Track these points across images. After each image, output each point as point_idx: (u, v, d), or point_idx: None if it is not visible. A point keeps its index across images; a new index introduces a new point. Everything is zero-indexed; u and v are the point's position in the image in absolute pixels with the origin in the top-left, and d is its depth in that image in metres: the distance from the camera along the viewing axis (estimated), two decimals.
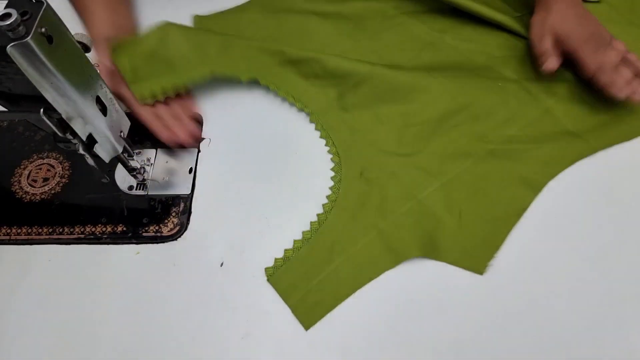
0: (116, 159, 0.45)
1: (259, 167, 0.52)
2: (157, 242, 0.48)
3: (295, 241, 0.47)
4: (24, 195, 0.50)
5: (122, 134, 0.44)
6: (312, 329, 0.43)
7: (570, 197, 0.49)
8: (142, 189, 0.50)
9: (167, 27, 0.55)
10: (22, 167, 0.52)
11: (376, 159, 0.51)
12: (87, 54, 0.38)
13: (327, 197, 0.49)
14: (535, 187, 0.49)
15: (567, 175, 0.50)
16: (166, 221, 0.49)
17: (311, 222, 0.48)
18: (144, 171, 0.51)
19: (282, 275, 0.45)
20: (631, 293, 0.44)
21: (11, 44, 0.29)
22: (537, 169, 0.50)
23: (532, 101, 0.55)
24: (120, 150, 0.44)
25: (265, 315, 0.44)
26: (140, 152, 0.53)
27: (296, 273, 0.45)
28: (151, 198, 0.50)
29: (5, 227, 0.48)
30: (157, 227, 0.48)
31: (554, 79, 0.56)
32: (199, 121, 0.55)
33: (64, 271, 0.46)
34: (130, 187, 0.51)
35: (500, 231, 0.47)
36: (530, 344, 0.42)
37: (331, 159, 0.52)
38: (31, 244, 0.48)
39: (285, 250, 0.46)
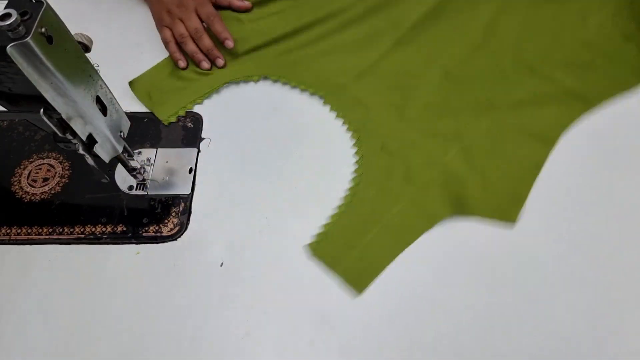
0: (116, 159, 0.45)
1: (259, 166, 0.52)
2: (157, 242, 0.48)
3: (331, 216, 0.48)
4: (24, 195, 0.50)
5: (122, 134, 0.44)
6: (311, 329, 0.43)
7: (569, 199, 0.49)
8: (142, 189, 0.50)
9: None
10: (22, 167, 0.52)
11: (394, 132, 0.54)
12: (87, 54, 0.38)
13: (354, 171, 0.51)
14: (547, 142, 0.52)
15: (565, 177, 0.51)
16: (166, 221, 0.49)
17: (344, 196, 0.49)
18: (144, 171, 0.51)
19: (325, 248, 0.46)
20: (632, 295, 0.44)
21: (11, 44, 0.29)
22: (547, 126, 0.53)
23: (530, 72, 0.58)
24: (120, 150, 0.44)
25: (265, 315, 0.44)
26: (140, 152, 0.53)
27: (338, 245, 0.47)
28: (151, 198, 0.50)
29: (5, 227, 0.48)
30: (157, 227, 0.48)
31: (548, 45, 0.59)
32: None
33: (64, 271, 0.46)
34: (130, 187, 0.51)
35: (524, 186, 0.49)
36: (530, 345, 0.42)
37: (351, 136, 0.53)
38: (31, 244, 0.48)
39: (324, 225, 0.48)
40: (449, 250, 0.47)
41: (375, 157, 0.52)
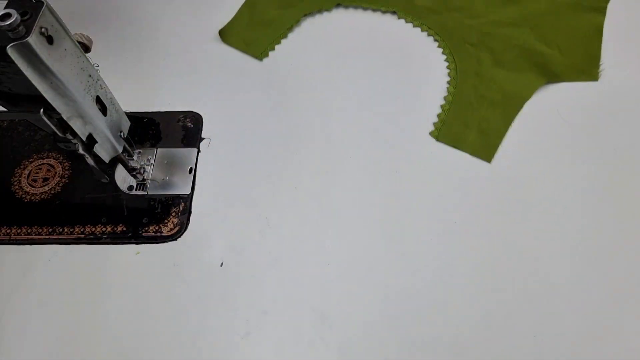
0: (116, 159, 0.45)
1: (260, 166, 0.52)
2: (157, 242, 0.48)
3: (442, 105, 0.55)
4: (24, 195, 0.50)
5: (122, 134, 0.44)
6: (309, 329, 0.43)
7: (567, 198, 0.49)
8: (142, 189, 0.50)
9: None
10: (22, 167, 0.52)
11: (470, 29, 0.62)
12: (87, 54, 0.38)
13: (447, 67, 0.59)
14: (601, 10, 0.61)
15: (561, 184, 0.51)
16: (166, 221, 0.49)
17: (447, 87, 0.57)
18: (144, 171, 0.51)
19: (447, 132, 0.54)
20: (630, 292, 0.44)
21: (11, 44, 0.29)
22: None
23: None
24: (120, 150, 0.44)
25: (265, 315, 0.44)
26: (140, 152, 0.53)
27: (456, 126, 0.54)
28: (151, 198, 0.50)
29: (5, 227, 0.48)
30: (157, 227, 0.48)
31: None
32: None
33: (64, 271, 0.46)
34: (130, 187, 0.51)
35: (594, 48, 0.59)
36: (530, 344, 0.42)
37: (433, 39, 0.61)
38: (31, 244, 0.48)
39: (438, 114, 0.55)
40: (448, 254, 0.47)
41: (462, 49, 0.60)
